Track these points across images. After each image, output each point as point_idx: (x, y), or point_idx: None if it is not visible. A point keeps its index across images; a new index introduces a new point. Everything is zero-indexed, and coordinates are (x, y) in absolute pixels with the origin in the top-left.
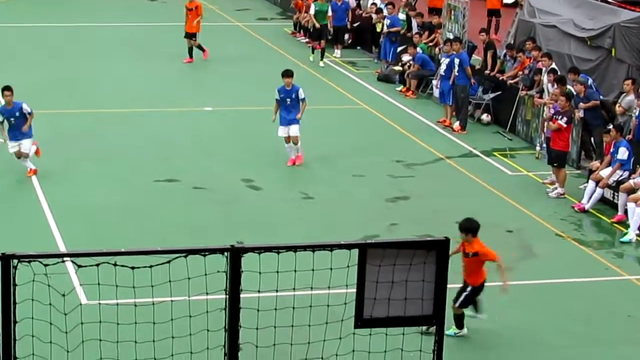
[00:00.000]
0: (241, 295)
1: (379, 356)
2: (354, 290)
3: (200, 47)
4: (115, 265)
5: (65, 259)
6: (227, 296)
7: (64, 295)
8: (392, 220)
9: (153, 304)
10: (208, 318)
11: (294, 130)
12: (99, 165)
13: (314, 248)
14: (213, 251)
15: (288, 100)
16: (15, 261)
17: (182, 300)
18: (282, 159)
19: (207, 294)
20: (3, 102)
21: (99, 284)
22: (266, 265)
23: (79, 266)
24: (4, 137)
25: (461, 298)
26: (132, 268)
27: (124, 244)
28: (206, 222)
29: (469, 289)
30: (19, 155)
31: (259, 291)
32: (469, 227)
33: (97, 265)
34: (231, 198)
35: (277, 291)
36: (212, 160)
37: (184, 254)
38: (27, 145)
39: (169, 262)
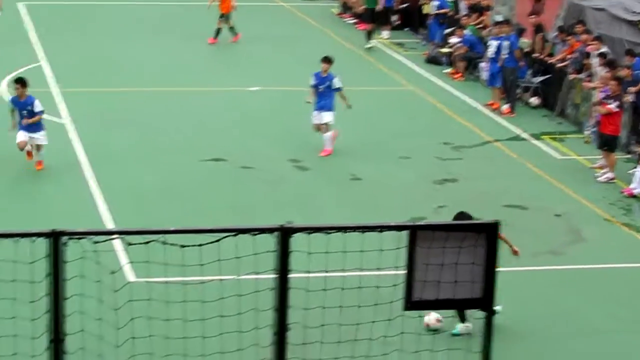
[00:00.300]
0: (290, 276)
1: (428, 339)
2: (404, 272)
3: (232, 30)
4: (164, 243)
5: (114, 236)
6: (276, 276)
7: (113, 272)
8: (439, 202)
9: (202, 282)
10: (257, 298)
11: (325, 117)
12: (146, 144)
13: (363, 229)
14: (262, 231)
15: (321, 87)
16: (65, 238)
17: (231, 280)
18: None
19: (256, 273)
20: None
21: (148, 262)
22: (315, 246)
23: (129, 244)
24: (12, 126)
25: None
26: (182, 246)
27: (171, 223)
28: (253, 201)
29: None
30: (23, 146)
31: (308, 272)
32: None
33: (147, 243)
34: (278, 178)
35: (326, 272)
36: (259, 140)
37: (233, 233)
38: (42, 138)
39: (218, 241)
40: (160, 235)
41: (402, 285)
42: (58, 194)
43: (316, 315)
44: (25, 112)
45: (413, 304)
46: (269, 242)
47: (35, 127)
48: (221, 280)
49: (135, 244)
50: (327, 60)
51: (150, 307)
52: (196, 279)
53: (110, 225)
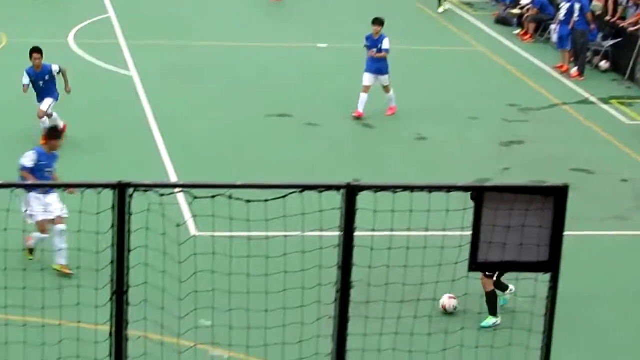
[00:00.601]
0: (355, 234)
1: None
2: (469, 233)
3: None
4: (230, 198)
5: (180, 189)
6: (341, 234)
7: (178, 225)
8: (504, 164)
9: (267, 238)
10: (321, 255)
11: (383, 80)
12: (211, 98)
13: (430, 189)
14: (329, 188)
15: (374, 50)
16: (131, 190)
17: (296, 236)
18: (396, 98)
19: (321, 230)
20: (31, 64)
21: (213, 216)
22: (381, 205)
23: (195, 197)
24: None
25: None
26: (247, 201)
27: (236, 178)
28: (318, 158)
29: None
30: (43, 115)
31: (373, 230)
32: None
33: (212, 197)
34: (343, 135)
35: (391, 231)
36: (325, 97)
37: (299, 190)
38: (45, 104)
39: (284, 197)
40: (226, 190)
41: (468, 246)
42: (124, 146)
43: (380, 274)
44: (42, 83)
45: (478, 265)
46: (335, 199)
47: (47, 93)
48: (286, 236)
49: (200, 197)
50: (378, 22)
51: (213, 262)
52: (261, 235)
53: (174, 178)
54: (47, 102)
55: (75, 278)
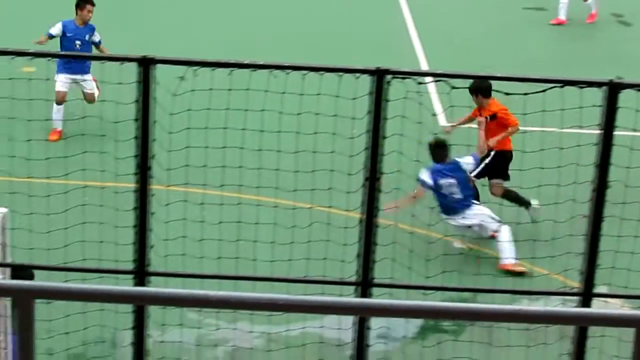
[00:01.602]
0: (615, 132)
1: None
2: None
3: None
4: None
5: (439, 78)
6: (601, 132)
7: (434, 115)
8: None
9: (524, 132)
10: (579, 152)
11: None
12: None
13: None
14: (590, 84)
15: None
16: (389, 77)
17: (553, 132)
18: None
19: (580, 127)
20: (72, 19)
21: (469, 107)
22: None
23: (453, 87)
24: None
25: (480, 166)
26: (507, 94)
27: (491, 70)
28: (574, 54)
29: (492, 154)
30: (62, 98)
31: (634, 130)
32: (479, 87)
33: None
34: (597, 32)
35: None
36: None
37: (560, 85)
38: (90, 84)
39: (543, 91)
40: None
41: None
42: (375, 33)
43: (638, 176)
44: (79, 44)
45: None
46: (595, 96)
47: (81, 67)
48: (543, 131)
49: (459, 88)
50: None
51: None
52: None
53: (424, 66)
54: (90, 81)
55: (328, 162)
